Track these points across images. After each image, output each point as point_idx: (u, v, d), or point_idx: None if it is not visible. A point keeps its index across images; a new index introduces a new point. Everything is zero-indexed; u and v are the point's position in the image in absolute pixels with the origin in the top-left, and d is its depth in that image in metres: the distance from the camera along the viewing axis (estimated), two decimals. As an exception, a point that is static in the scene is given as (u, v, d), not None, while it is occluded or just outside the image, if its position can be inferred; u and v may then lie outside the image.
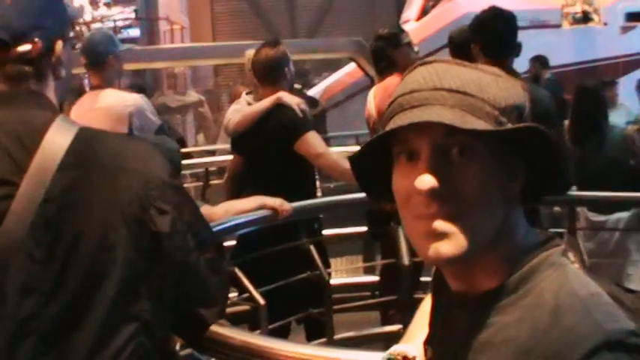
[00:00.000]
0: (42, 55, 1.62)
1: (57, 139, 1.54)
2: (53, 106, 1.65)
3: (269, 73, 4.23)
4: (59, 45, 1.65)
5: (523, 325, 1.06)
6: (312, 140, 4.10)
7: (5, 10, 1.58)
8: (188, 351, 2.23)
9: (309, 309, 3.87)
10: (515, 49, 4.17)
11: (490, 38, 4.10)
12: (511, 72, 4.01)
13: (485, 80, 1.12)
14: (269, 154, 4.18)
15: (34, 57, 1.60)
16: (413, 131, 1.09)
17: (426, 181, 1.07)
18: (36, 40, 1.60)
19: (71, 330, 1.49)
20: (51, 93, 1.66)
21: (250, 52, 4.76)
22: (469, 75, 1.12)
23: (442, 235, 1.08)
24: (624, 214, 4.81)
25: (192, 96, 13.01)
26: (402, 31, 5.29)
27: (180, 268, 1.62)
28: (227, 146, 5.97)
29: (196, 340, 1.87)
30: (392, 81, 4.85)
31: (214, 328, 1.75)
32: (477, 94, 1.10)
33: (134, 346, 1.52)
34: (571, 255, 1.13)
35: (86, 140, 1.58)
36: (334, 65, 14.21)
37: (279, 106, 4.14)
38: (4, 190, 1.50)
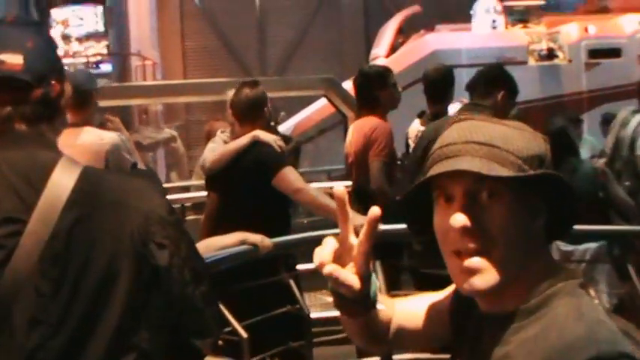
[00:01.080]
0: (57, 97, 1.70)
1: (63, 179, 1.61)
2: (57, 147, 1.73)
3: (248, 113, 4.32)
4: (67, 89, 1.74)
5: (538, 342, 1.23)
6: (290, 176, 4.16)
7: (28, 53, 1.66)
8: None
9: (288, 342, 3.92)
10: None
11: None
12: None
13: (510, 134, 1.31)
14: (245, 191, 4.23)
15: (51, 99, 1.68)
16: (448, 178, 1.29)
17: (459, 219, 1.26)
18: (53, 82, 1.69)
19: (75, 359, 1.55)
20: (54, 134, 1.74)
21: (232, 92, 4.83)
22: (496, 130, 1.32)
23: (475, 271, 1.27)
24: (592, 245, 4.91)
25: (165, 132, 13.02)
26: (389, 70, 5.34)
27: (178, 300, 1.69)
28: (202, 182, 6.00)
29: None
30: (368, 121, 4.95)
31: (209, 358, 1.82)
32: (503, 145, 1.29)
33: None
34: (591, 291, 1.34)
35: (90, 179, 1.65)
36: (304, 101, 14.33)
37: (256, 144, 4.21)
38: (13, 228, 1.57)
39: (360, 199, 4.82)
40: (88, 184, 1.64)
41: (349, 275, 1.34)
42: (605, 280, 4.79)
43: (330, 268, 1.33)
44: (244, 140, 4.25)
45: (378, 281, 1.44)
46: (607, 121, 10.31)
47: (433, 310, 1.59)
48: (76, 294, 1.56)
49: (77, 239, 1.58)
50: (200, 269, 1.79)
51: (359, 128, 5.01)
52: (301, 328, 3.99)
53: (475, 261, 1.27)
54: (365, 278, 1.35)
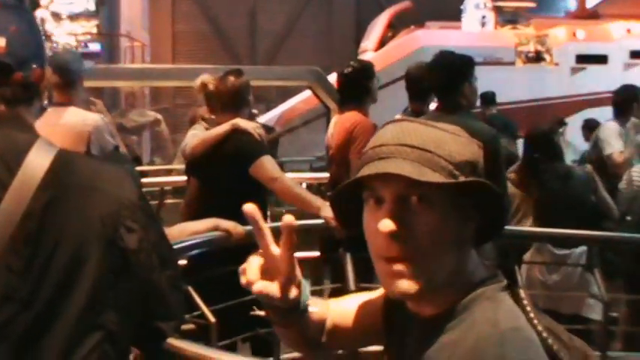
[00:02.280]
0: (37, 81, 1.75)
1: (38, 160, 1.66)
2: (34, 128, 1.78)
3: (233, 101, 4.36)
4: (48, 73, 1.79)
5: (456, 348, 1.24)
6: (268, 165, 4.21)
7: (11, 38, 1.71)
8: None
9: (256, 328, 3.98)
10: None
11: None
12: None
13: (443, 138, 1.30)
14: (223, 178, 4.27)
15: (31, 83, 1.74)
16: (379, 180, 1.27)
17: (387, 225, 1.24)
18: (34, 66, 1.74)
19: (41, 337, 1.60)
20: (32, 116, 1.79)
21: (205, 77, 4.83)
22: (429, 133, 1.30)
23: (401, 275, 1.26)
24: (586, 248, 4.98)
25: (149, 115, 12.98)
26: (372, 65, 5.32)
27: (145, 283, 1.74)
28: (183, 166, 6.02)
29: (154, 352, 1.98)
30: (350, 117, 4.97)
31: (171, 340, 1.88)
32: (435, 150, 1.27)
33: (99, 353, 1.63)
34: (522, 292, 1.32)
35: (65, 161, 1.70)
36: (289, 92, 14.37)
37: (236, 131, 4.27)
38: None
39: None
40: (63, 166, 1.68)
41: (278, 287, 1.33)
42: (597, 283, 4.83)
43: (260, 286, 1.33)
44: (225, 127, 4.28)
45: (308, 285, 1.43)
46: (589, 126, 10.45)
47: (367, 309, 1.59)
48: (46, 273, 1.60)
49: (50, 220, 1.62)
50: (167, 254, 1.85)
51: (341, 123, 5.05)
52: (270, 316, 4.04)
53: (402, 267, 1.25)
54: (296, 284, 1.35)
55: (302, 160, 11.83)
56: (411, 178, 1.23)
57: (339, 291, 4.34)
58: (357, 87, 5.08)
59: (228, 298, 3.69)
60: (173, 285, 1.85)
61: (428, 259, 1.25)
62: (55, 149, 1.71)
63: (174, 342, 1.89)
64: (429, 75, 4.38)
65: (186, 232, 3.42)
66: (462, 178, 1.27)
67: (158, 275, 1.78)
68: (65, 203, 1.64)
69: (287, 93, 14.82)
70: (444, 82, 4.20)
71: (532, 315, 1.28)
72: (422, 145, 1.27)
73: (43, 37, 1.87)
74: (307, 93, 12.68)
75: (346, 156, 4.92)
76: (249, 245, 3.92)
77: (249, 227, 3.71)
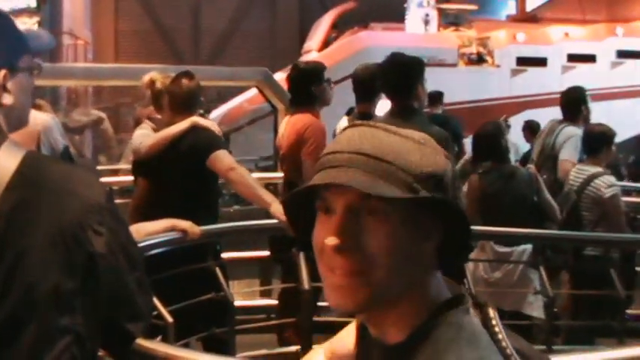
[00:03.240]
0: (4, 84, 1.74)
1: (5, 161, 1.65)
2: (3, 130, 1.77)
3: (187, 103, 4.39)
4: (2, 73, 1.77)
5: None
6: (225, 156, 4.26)
7: None
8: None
9: (212, 328, 4.00)
10: None
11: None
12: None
13: (405, 147, 1.19)
14: (177, 176, 4.29)
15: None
16: (331, 189, 1.18)
17: (332, 239, 1.15)
18: (4, 71, 1.73)
19: (10, 341, 1.59)
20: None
21: (154, 75, 4.82)
22: (390, 141, 1.19)
23: (342, 289, 1.16)
24: (529, 246, 5.09)
25: (92, 114, 12.82)
26: (324, 67, 5.34)
27: (113, 285, 1.75)
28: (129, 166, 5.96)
29: (122, 353, 1.99)
30: (301, 118, 5.01)
31: (140, 341, 1.90)
32: (394, 160, 1.17)
33: (66, 358, 1.62)
34: (490, 311, 1.23)
35: (32, 163, 1.70)
36: (232, 92, 14.35)
37: (194, 129, 4.29)
38: None
39: (289, 192, 4.95)
40: (30, 168, 1.68)
41: None
42: (541, 280, 4.93)
43: None
44: (184, 125, 4.31)
45: None
46: (530, 127, 10.67)
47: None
48: (14, 274, 1.59)
49: (18, 221, 1.61)
50: (135, 256, 1.86)
51: (292, 124, 5.08)
52: (225, 315, 4.08)
53: (343, 279, 1.16)
54: None
55: (247, 159, 11.84)
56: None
57: (292, 291, 4.38)
58: (308, 89, 5.09)
59: (184, 298, 3.71)
60: (141, 286, 1.87)
61: (377, 275, 1.16)
62: (23, 151, 1.71)
63: (142, 342, 1.91)
64: (383, 76, 4.42)
65: (143, 233, 3.43)
66: (423, 193, 1.17)
67: (126, 277, 1.79)
68: (33, 205, 1.64)
69: (230, 93, 14.79)
70: (398, 84, 4.25)
71: (501, 337, 1.21)
72: (379, 154, 1.17)
73: (17, 39, 1.85)
74: (251, 93, 12.69)
75: (297, 156, 4.97)
76: (204, 245, 4.00)
77: (205, 227, 3.78)
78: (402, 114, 4.14)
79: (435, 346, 1.16)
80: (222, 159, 4.24)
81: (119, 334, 1.87)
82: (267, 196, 4.24)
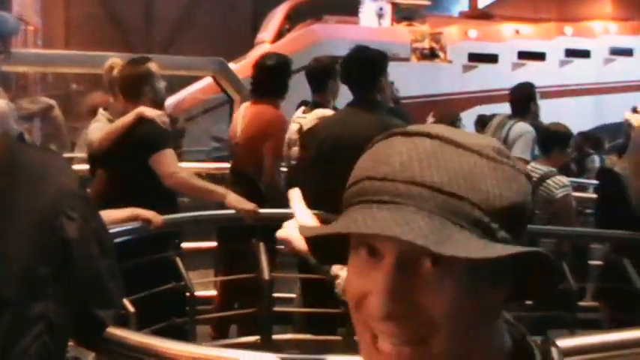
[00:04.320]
0: None
1: None
2: None
3: (132, 90, 4.34)
4: None
5: None
6: (166, 159, 4.19)
7: None
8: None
9: (172, 318, 3.99)
10: None
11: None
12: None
13: (478, 169, 0.88)
14: (132, 168, 4.25)
15: None
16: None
17: (383, 303, 0.87)
18: None
19: None
20: None
21: (115, 61, 4.79)
22: (461, 162, 0.88)
23: (394, 358, 0.90)
24: None
25: (42, 102, 12.58)
26: (290, 60, 5.35)
27: (85, 272, 1.75)
28: (84, 155, 5.89)
29: (93, 341, 1.99)
30: (265, 110, 5.00)
31: (111, 329, 1.90)
32: (466, 193, 0.86)
33: (38, 345, 1.63)
34: (554, 351, 1.00)
35: (8, 150, 1.69)
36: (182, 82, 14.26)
37: (141, 120, 4.25)
38: None
39: (239, 181, 5.01)
40: (7, 154, 1.68)
41: None
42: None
43: None
44: (129, 117, 4.26)
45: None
46: (481, 122, 10.80)
47: None
48: None
49: None
50: (107, 242, 1.86)
51: (255, 115, 5.06)
52: (185, 305, 4.07)
53: (401, 350, 0.89)
54: None
55: (199, 150, 11.78)
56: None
57: (251, 281, 4.37)
58: (277, 81, 5.11)
59: (145, 287, 3.70)
60: (112, 273, 1.87)
61: (441, 342, 0.88)
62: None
63: (114, 331, 1.90)
64: (346, 68, 4.45)
65: (105, 221, 3.39)
66: (501, 234, 0.88)
67: (98, 264, 1.79)
68: (11, 190, 1.64)
69: (179, 84, 14.68)
70: (362, 77, 4.28)
71: None
72: (447, 186, 0.86)
73: None
74: (205, 82, 12.60)
75: (257, 148, 4.96)
76: (164, 235, 3.98)
77: (167, 216, 3.77)
78: (365, 106, 4.18)
79: None
80: (162, 163, 4.17)
81: (90, 320, 1.87)
82: (218, 189, 4.27)
